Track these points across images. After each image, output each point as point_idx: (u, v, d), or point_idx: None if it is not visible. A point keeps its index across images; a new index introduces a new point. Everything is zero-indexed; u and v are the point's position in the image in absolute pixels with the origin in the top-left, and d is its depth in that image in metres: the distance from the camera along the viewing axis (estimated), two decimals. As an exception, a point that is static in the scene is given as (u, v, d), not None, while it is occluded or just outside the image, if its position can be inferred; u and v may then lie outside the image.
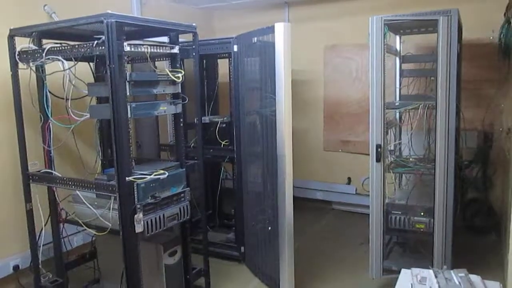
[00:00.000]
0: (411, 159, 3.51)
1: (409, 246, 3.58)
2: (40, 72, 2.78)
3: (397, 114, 3.81)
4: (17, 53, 2.73)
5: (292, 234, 3.07)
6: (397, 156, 3.64)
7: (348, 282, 3.43)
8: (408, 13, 3.11)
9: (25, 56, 2.72)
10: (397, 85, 3.93)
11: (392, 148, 3.64)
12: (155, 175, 2.51)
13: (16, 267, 3.28)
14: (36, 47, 2.75)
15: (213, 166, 4.29)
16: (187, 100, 2.84)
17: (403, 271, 2.32)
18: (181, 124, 2.88)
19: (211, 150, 3.83)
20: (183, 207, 2.73)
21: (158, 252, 2.82)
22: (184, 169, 2.81)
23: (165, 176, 2.56)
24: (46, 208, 2.97)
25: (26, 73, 2.77)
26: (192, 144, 3.78)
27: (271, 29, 2.93)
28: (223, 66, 4.26)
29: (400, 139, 3.85)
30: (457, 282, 1.99)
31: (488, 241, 4.07)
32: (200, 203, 3.15)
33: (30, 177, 2.89)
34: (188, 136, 3.86)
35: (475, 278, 2.07)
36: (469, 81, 4.05)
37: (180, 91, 2.76)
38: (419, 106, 3.19)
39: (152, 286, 2.82)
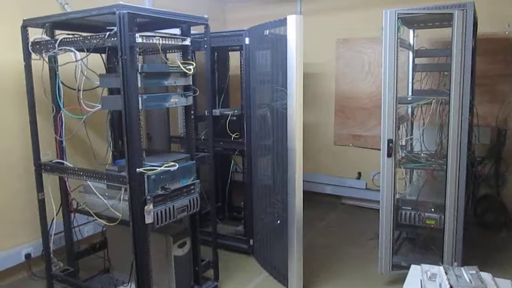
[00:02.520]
0: (422, 154, 3.47)
1: (419, 242, 3.55)
2: (52, 63, 2.80)
3: (410, 109, 3.76)
4: (30, 43, 2.75)
5: (301, 228, 3.06)
6: (409, 152, 3.60)
7: (356, 277, 3.42)
8: (422, 6, 3.06)
9: (38, 46, 2.74)
10: (410, 80, 3.88)
11: (403, 143, 3.60)
12: (165, 166, 2.51)
13: (28, 256, 3.33)
14: (49, 38, 2.77)
15: (223, 159, 4.30)
16: (198, 92, 2.83)
17: (412, 267, 2.30)
18: (192, 116, 2.88)
19: (221, 143, 3.83)
20: (193, 199, 2.74)
21: (168, 244, 2.83)
22: (194, 161, 2.82)
23: (176, 168, 2.56)
24: (57, 198, 3.01)
25: (39, 64, 2.79)
26: (203, 137, 3.78)
27: (283, 22, 2.90)
28: (234, 58, 4.25)
29: (412, 134, 3.81)
30: (467, 280, 1.96)
31: (499, 238, 4.03)
32: (209, 195, 3.16)
33: (42, 167, 2.92)
34: (199, 129, 3.85)
35: (486, 275, 2.05)
36: (484, 76, 3.99)
37: (191, 83, 2.75)
38: (432, 101, 3.16)
39: (161, 277, 2.84)
